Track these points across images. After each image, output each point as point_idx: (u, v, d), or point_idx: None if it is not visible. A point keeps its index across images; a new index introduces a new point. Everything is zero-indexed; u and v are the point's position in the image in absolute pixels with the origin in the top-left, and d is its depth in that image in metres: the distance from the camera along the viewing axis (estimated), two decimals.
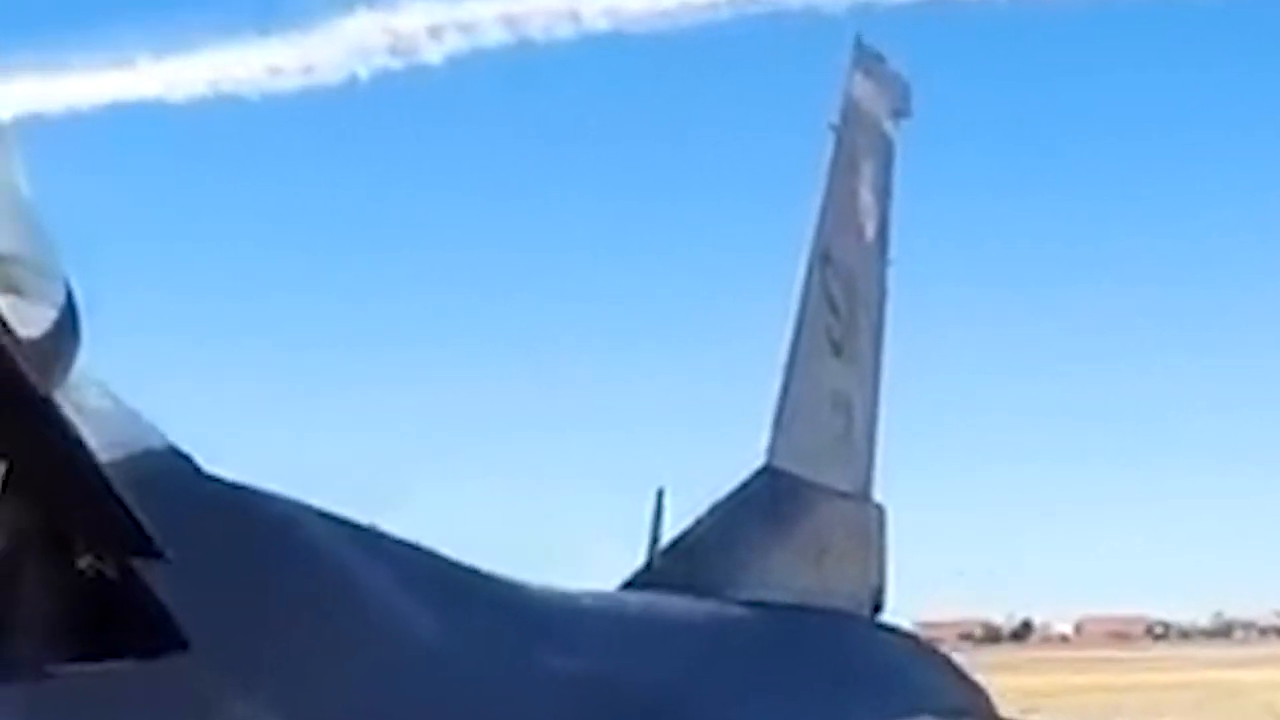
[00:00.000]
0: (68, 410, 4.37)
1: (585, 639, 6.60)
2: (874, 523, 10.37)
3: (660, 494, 8.30)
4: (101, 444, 4.60)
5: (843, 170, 9.90)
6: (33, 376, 4.07)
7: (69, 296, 4.42)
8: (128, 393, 4.93)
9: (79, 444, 4.21)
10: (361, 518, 5.81)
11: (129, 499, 4.32)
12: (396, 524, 5.96)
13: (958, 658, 10.52)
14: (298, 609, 5.13)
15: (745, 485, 8.78)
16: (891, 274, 10.79)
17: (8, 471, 4.19)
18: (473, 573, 6.32)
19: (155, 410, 5.00)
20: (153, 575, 4.40)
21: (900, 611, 10.61)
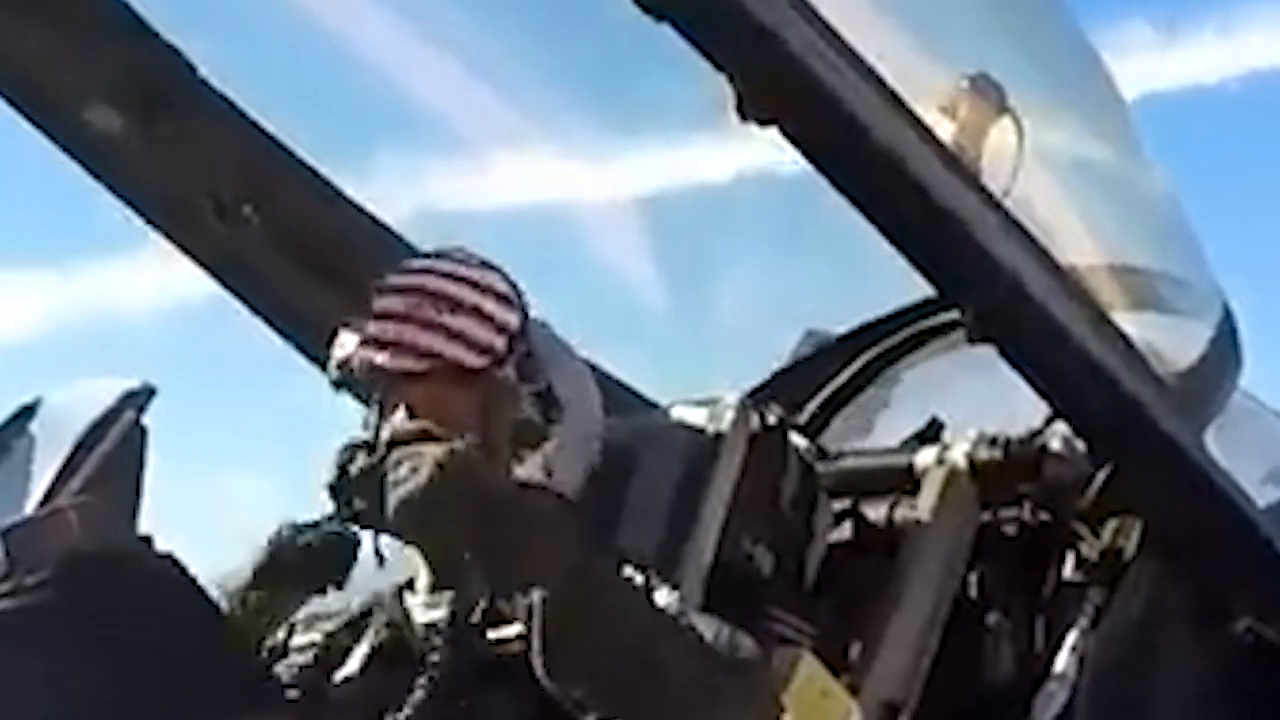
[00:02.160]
0: (1232, 445, 3.76)
1: None
2: None
3: None
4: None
5: None
6: (1174, 421, 3.44)
7: (1225, 310, 3.75)
8: None
9: (1233, 493, 3.54)
10: None
11: None
12: None
13: None
14: None
15: None
16: None
17: (1144, 530, 3.61)
18: None
19: None
20: None
21: None
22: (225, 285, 3.68)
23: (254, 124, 3.60)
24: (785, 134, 2.89)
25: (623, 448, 3.39)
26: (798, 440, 3.50)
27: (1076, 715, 3.56)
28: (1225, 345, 3.71)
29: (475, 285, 3.16)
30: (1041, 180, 3.37)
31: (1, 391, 3.48)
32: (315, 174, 3.68)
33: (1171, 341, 3.62)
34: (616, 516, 3.34)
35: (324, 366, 3.72)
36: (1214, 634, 3.69)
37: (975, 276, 3.14)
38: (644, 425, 3.48)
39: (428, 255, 3.23)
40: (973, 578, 3.64)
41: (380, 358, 3.08)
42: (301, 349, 3.72)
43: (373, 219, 3.76)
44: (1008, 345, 3.28)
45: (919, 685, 3.43)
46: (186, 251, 3.64)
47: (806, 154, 2.94)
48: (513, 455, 3.15)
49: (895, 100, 2.95)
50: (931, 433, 3.83)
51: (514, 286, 3.21)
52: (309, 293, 3.66)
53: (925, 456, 3.67)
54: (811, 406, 4.27)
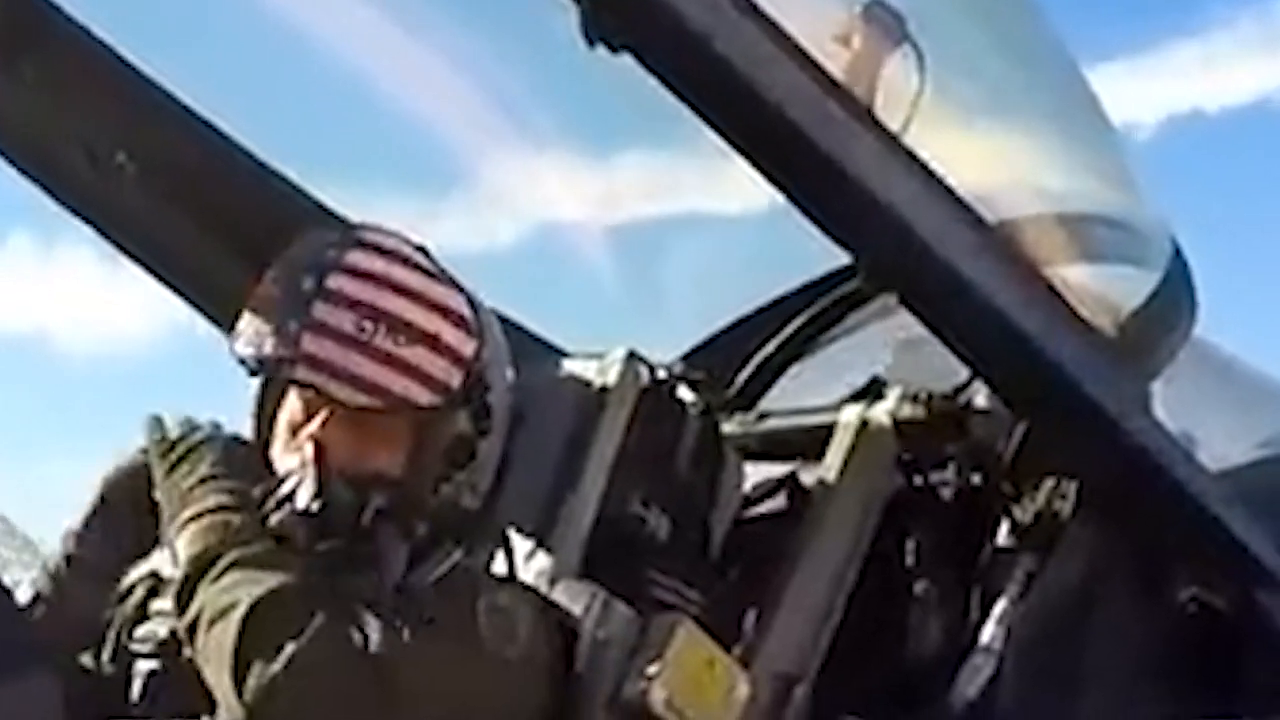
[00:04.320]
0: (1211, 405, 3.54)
1: None
2: None
3: None
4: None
5: None
6: (1102, 381, 3.19)
7: (1175, 254, 3.51)
8: None
9: (1173, 457, 3.30)
10: None
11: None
12: None
13: None
14: None
15: None
16: None
17: (1079, 490, 3.38)
18: None
19: None
20: None
21: None
22: (104, 236, 3.50)
23: (130, 67, 3.41)
24: (642, 63, 2.68)
25: (512, 403, 3.20)
26: (691, 396, 3.28)
27: (1004, 687, 3.35)
28: (1174, 291, 3.46)
29: (434, 308, 2.82)
30: (951, 121, 3.14)
31: None
32: (197, 118, 3.46)
33: (1114, 289, 3.39)
34: (503, 473, 3.16)
35: (210, 318, 3.55)
36: (1154, 601, 3.46)
37: (865, 221, 2.88)
38: (534, 379, 3.28)
39: (361, 241, 2.83)
40: (901, 544, 3.44)
41: (331, 386, 2.75)
42: (190, 301, 3.54)
43: (259, 163, 3.54)
44: (909, 298, 3.06)
45: (818, 657, 3.22)
46: (60, 201, 3.45)
47: (668, 85, 2.72)
48: (442, 477, 2.88)
49: (767, 24, 2.71)
50: (874, 390, 3.61)
51: (470, 302, 2.87)
52: (191, 243, 3.46)
53: (848, 414, 3.45)
54: (751, 366, 4.05)
